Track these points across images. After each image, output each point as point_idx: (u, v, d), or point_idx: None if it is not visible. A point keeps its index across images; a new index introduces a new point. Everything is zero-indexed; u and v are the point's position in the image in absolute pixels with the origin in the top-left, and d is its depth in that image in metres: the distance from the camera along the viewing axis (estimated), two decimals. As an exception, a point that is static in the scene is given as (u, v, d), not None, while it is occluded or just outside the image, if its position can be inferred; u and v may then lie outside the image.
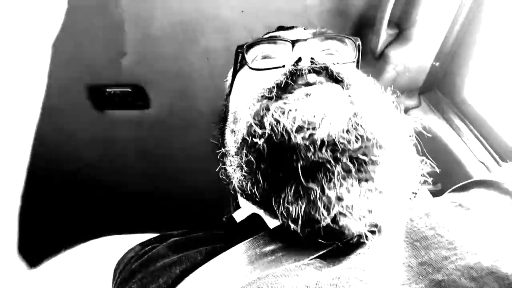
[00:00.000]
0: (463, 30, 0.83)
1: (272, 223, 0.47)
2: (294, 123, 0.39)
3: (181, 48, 0.92)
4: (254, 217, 0.49)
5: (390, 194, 0.39)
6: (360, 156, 0.38)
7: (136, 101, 1.05)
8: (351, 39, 0.57)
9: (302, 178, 0.38)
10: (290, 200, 0.39)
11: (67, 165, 1.24)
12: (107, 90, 1.01)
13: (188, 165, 1.24)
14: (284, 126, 0.39)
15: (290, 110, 0.40)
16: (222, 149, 0.56)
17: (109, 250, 0.48)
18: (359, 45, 0.56)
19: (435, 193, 0.51)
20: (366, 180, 0.38)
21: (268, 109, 0.42)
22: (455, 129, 0.86)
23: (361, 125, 0.38)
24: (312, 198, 0.37)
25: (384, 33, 0.83)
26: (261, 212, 0.48)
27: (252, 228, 0.46)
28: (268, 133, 0.40)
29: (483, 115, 0.83)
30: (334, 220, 0.37)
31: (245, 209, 0.53)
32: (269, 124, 0.40)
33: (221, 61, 0.95)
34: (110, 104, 1.06)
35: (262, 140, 0.40)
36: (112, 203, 1.38)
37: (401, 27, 0.84)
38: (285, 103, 0.42)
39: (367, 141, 0.38)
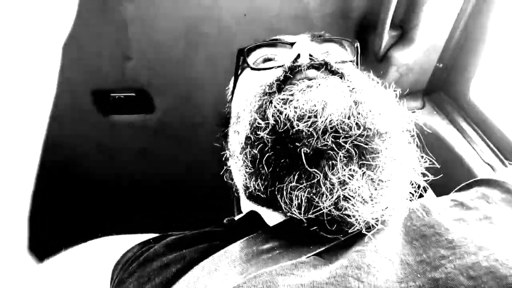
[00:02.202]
0: (466, 31, 0.83)
1: (271, 221, 0.47)
2: (296, 112, 0.40)
3: (184, 52, 0.93)
4: (252, 215, 0.49)
5: (390, 185, 0.39)
6: (361, 144, 0.38)
7: (140, 105, 1.06)
8: (349, 41, 0.58)
9: (305, 164, 0.38)
10: (293, 186, 0.39)
11: (73, 168, 1.24)
12: (112, 94, 1.02)
13: (192, 168, 1.24)
14: (287, 115, 0.40)
15: (292, 100, 0.41)
16: (226, 152, 0.56)
17: (108, 250, 0.49)
18: (357, 46, 0.56)
19: (439, 189, 0.51)
20: (367, 167, 0.38)
21: (271, 101, 0.43)
22: (460, 131, 0.86)
23: (361, 114, 0.39)
24: (315, 183, 0.38)
25: (387, 35, 0.83)
26: (262, 210, 0.48)
27: (250, 226, 0.46)
28: (272, 124, 0.41)
29: (488, 116, 0.82)
30: (337, 206, 0.37)
31: (246, 211, 0.53)
32: (272, 115, 0.41)
33: (224, 65, 0.95)
34: (114, 109, 1.07)
35: (266, 131, 0.41)
36: (116, 204, 1.38)
37: (403, 29, 0.84)
38: (286, 94, 0.42)
39: (368, 130, 0.39)
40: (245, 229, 0.45)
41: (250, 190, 0.45)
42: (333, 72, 0.47)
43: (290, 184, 0.39)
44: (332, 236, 0.39)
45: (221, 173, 0.58)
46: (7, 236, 0.37)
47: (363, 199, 0.38)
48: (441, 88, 0.94)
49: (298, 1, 0.83)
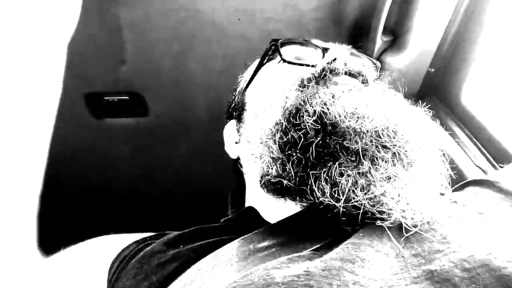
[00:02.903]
0: (458, 36, 0.84)
1: (269, 217, 0.47)
2: (344, 109, 0.40)
3: (179, 56, 0.93)
4: (250, 211, 0.49)
5: (423, 193, 0.40)
6: (403, 151, 0.39)
7: (134, 108, 1.06)
8: (372, 61, 0.59)
9: (354, 154, 0.38)
10: (334, 174, 0.39)
11: (65, 170, 1.23)
12: (105, 98, 1.01)
13: (186, 171, 1.24)
14: (336, 109, 0.40)
15: (339, 97, 0.41)
16: (239, 138, 0.55)
17: (105, 248, 0.49)
18: (378, 67, 0.58)
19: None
20: (408, 172, 0.39)
21: (317, 92, 0.43)
22: (452, 135, 0.86)
23: (404, 125, 0.40)
24: (362, 172, 0.38)
25: (379, 40, 0.84)
26: (263, 205, 0.48)
27: (248, 223, 0.46)
28: (319, 113, 0.41)
29: (480, 120, 0.83)
30: (373, 201, 0.38)
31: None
32: (320, 104, 0.41)
33: (218, 68, 0.95)
34: (108, 112, 1.06)
35: (313, 118, 0.41)
36: (110, 207, 1.37)
37: (396, 34, 0.85)
38: (332, 90, 0.43)
39: (409, 140, 0.40)
40: (242, 227, 0.45)
41: (269, 177, 0.44)
42: (366, 84, 0.48)
43: (335, 170, 0.39)
44: (329, 239, 0.40)
45: (232, 161, 0.58)
46: (18, 233, 0.37)
47: (403, 200, 0.38)
48: (433, 92, 0.95)
49: (292, 5, 0.84)
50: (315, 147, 0.40)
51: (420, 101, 0.95)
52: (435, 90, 0.94)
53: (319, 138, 0.40)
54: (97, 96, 1.01)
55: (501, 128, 0.80)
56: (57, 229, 1.27)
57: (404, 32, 0.83)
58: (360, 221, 0.39)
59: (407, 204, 0.38)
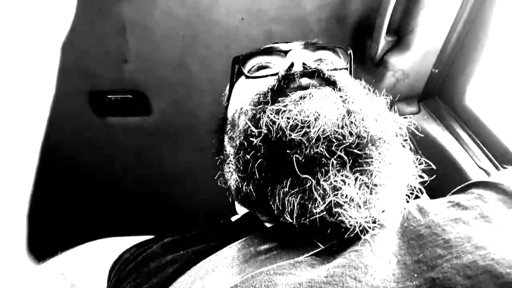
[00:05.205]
0: (462, 37, 0.84)
1: (268, 222, 0.47)
2: (288, 122, 0.40)
3: (181, 55, 0.93)
4: (250, 216, 0.49)
5: (385, 189, 0.40)
6: (355, 151, 0.39)
7: (137, 107, 1.06)
8: (342, 48, 0.59)
9: (297, 170, 0.39)
10: (285, 192, 0.39)
11: (68, 169, 1.24)
12: (108, 96, 1.02)
13: (188, 171, 1.24)
14: (279, 125, 0.40)
15: (285, 111, 0.42)
16: (221, 157, 0.56)
17: (105, 251, 0.49)
18: (350, 54, 0.58)
19: (435, 194, 0.51)
20: (361, 173, 0.39)
21: (264, 111, 0.43)
22: (455, 136, 0.86)
23: (354, 123, 0.40)
24: (307, 188, 0.38)
25: (383, 40, 0.84)
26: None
27: (248, 227, 0.46)
28: (264, 132, 0.41)
29: (483, 121, 0.83)
30: (330, 212, 0.37)
31: (241, 214, 0.53)
32: (265, 124, 0.42)
33: (221, 68, 0.95)
34: (111, 111, 1.06)
35: (259, 139, 0.42)
36: (112, 205, 1.38)
37: (400, 34, 0.85)
38: (279, 105, 0.43)
39: (361, 138, 0.39)
40: (242, 230, 0.45)
41: (242, 194, 0.45)
42: (326, 80, 0.48)
43: (283, 190, 0.39)
44: (328, 243, 0.39)
45: (215, 177, 0.59)
46: (7, 238, 0.37)
47: (357, 204, 0.38)
48: (436, 93, 0.94)
49: (295, 5, 0.84)
50: (267, 165, 0.41)
51: (423, 101, 0.95)
52: (438, 91, 0.94)
53: (264, 158, 0.41)
54: (100, 94, 1.02)
55: (505, 129, 0.79)
56: (57, 231, 1.27)
57: (408, 32, 0.83)
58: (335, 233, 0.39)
59: (367, 208, 0.38)
